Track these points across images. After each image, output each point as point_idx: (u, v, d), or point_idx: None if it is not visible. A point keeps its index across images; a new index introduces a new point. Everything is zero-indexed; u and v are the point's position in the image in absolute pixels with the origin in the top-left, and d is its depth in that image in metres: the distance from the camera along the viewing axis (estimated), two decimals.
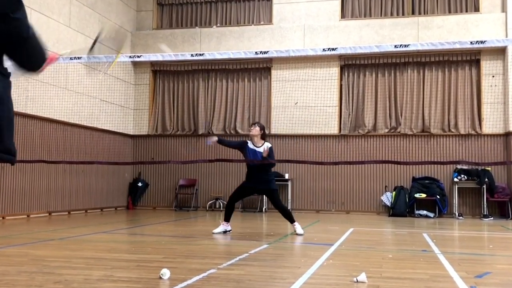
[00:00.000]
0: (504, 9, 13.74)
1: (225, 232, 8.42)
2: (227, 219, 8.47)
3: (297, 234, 8.23)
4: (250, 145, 8.40)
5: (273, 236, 8.36)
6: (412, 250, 6.83)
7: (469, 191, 13.70)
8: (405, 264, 5.54)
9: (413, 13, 14.57)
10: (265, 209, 14.57)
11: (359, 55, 14.23)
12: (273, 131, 14.93)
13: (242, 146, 8.46)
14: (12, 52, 2.26)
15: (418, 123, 14.31)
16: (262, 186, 8.37)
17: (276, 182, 14.57)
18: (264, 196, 14.55)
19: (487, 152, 13.69)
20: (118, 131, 14.97)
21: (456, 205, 13.52)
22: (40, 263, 5.20)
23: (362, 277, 4.40)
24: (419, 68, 14.45)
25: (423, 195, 13.51)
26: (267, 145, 8.43)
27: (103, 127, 14.29)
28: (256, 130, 8.35)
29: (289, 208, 14.22)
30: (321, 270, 5.04)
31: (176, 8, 16.27)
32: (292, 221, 8.42)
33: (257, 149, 8.35)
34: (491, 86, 13.79)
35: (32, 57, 2.33)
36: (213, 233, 8.35)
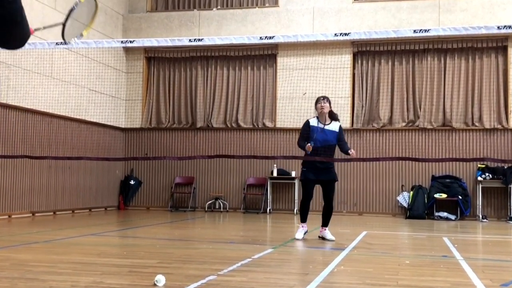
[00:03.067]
0: None
1: (305, 233, 8.15)
2: (303, 220, 8.15)
3: (327, 240, 7.98)
4: (314, 122, 7.99)
5: (278, 240, 8.36)
6: (431, 255, 6.83)
7: (494, 191, 13.68)
8: (423, 271, 5.54)
9: None
10: (269, 209, 14.58)
11: (374, 41, 14.19)
12: (278, 125, 14.93)
13: (307, 130, 7.97)
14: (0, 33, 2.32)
15: (439, 116, 14.28)
16: (325, 176, 7.94)
17: (282, 181, 14.89)
18: (268, 195, 14.59)
19: None
20: (108, 123, 14.98)
21: (480, 207, 13.49)
22: (22, 268, 5.21)
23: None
24: (440, 56, 14.41)
25: (444, 196, 13.49)
26: (338, 124, 8.05)
27: (91, 120, 14.30)
28: (327, 106, 7.97)
29: (295, 209, 14.28)
30: (331, 277, 5.04)
31: None
32: (326, 224, 8.13)
33: (326, 127, 7.94)
34: None
35: (18, 36, 2.39)
36: (296, 239, 8.04)
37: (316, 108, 8.11)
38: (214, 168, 15.30)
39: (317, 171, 7.95)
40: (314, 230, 8.57)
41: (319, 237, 8.17)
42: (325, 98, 8.11)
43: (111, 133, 15.32)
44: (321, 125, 7.98)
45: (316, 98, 8.25)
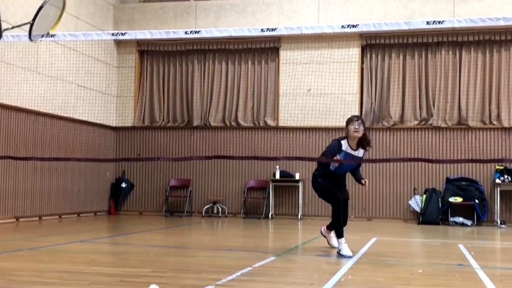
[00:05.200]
0: None
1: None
2: (342, 234, 7.49)
3: (332, 246, 7.87)
4: (345, 147, 7.46)
5: (281, 247, 8.36)
6: (446, 264, 6.82)
7: None
8: (437, 280, 5.53)
9: None
10: (271, 215, 14.58)
11: (383, 33, 14.18)
12: (281, 123, 14.92)
13: (335, 154, 7.39)
14: None
15: (454, 114, 14.26)
16: (345, 195, 7.74)
17: (285, 184, 14.88)
18: (270, 199, 14.59)
19: None
20: (98, 122, 14.97)
21: (498, 211, 13.48)
22: (6, 277, 5.20)
23: None
24: (455, 49, 14.39)
25: (459, 199, 13.48)
26: (362, 152, 7.62)
27: (80, 118, 14.30)
28: (361, 130, 7.41)
29: (300, 214, 14.28)
30: (338, 287, 5.04)
31: None
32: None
33: (354, 153, 7.50)
34: None
35: None
36: (351, 257, 7.14)
37: (348, 129, 7.49)
38: (212, 170, 15.29)
39: (334, 186, 7.65)
40: (321, 236, 8.55)
41: (321, 233, 8.12)
42: (359, 119, 7.58)
43: (101, 132, 15.32)
44: (351, 151, 7.49)
45: (349, 117, 7.65)
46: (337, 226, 7.44)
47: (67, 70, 13.72)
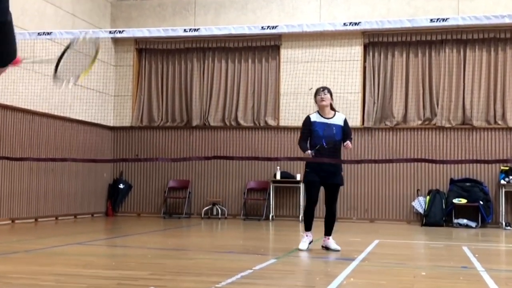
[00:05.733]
0: None
1: (310, 243, 7.98)
2: (308, 228, 7.96)
3: (332, 250, 7.87)
4: (315, 118, 7.90)
5: (281, 249, 8.35)
6: (449, 266, 6.82)
7: None
8: (441, 283, 5.53)
9: None
10: (272, 216, 14.58)
11: (386, 30, 14.17)
12: (282, 123, 14.92)
13: (308, 128, 7.88)
14: None
15: (458, 114, 14.26)
16: (330, 179, 7.85)
17: (286, 185, 14.88)
18: (270, 201, 14.59)
19: None
20: (95, 122, 14.98)
21: (503, 213, 13.48)
22: (1, 280, 5.20)
23: None
24: (459, 47, 14.39)
25: (463, 201, 13.48)
26: (342, 116, 7.99)
27: (77, 117, 14.30)
28: (328, 98, 7.86)
29: (301, 215, 14.26)
30: None
31: None
32: (329, 233, 7.98)
33: (329, 121, 7.85)
34: None
35: (2, 47, 2.34)
36: (300, 249, 7.82)
37: (315, 100, 8.00)
38: (211, 171, 15.29)
39: (322, 173, 7.83)
40: (319, 239, 8.55)
41: (322, 247, 8.07)
42: (325, 89, 8.00)
43: (99, 132, 15.32)
44: (323, 120, 7.87)
45: (315, 90, 8.11)
46: (305, 218, 8.06)
47: None
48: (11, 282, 5.15)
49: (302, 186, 14.40)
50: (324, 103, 7.85)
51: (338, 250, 7.85)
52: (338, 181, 7.97)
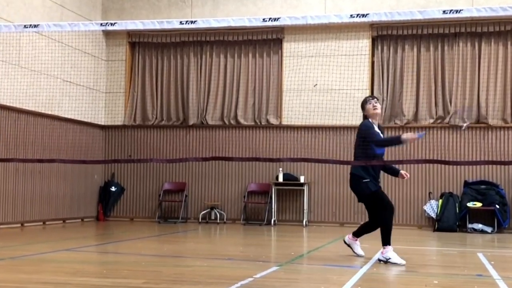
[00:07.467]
0: None
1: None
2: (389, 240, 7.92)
3: (358, 255, 8.14)
4: (376, 127, 8.11)
5: (284, 256, 8.36)
6: (463, 274, 6.83)
7: None
8: None
9: None
10: (274, 221, 14.58)
11: (396, 23, 14.18)
12: (284, 122, 14.92)
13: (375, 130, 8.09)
14: None
15: (472, 112, 14.26)
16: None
17: (289, 188, 14.88)
18: (272, 204, 14.60)
19: None
20: (85, 120, 14.98)
21: None
22: None
23: None
24: (474, 41, 14.40)
25: (478, 204, 13.48)
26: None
27: (66, 115, 14.30)
28: (379, 106, 8.12)
29: (305, 220, 14.28)
30: None
31: None
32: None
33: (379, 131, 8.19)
34: None
35: None
36: (403, 264, 7.45)
37: (365, 109, 8.11)
38: (209, 172, 15.30)
39: (377, 180, 8.23)
40: (328, 243, 8.56)
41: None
42: (374, 97, 8.24)
43: (89, 132, 15.33)
44: (377, 129, 8.08)
45: (363, 99, 8.24)
46: (387, 232, 7.90)
47: (51, 63, 13.72)
48: None
49: (306, 188, 14.41)
50: (378, 111, 8.06)
51: (360, 256, 8.17)
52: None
